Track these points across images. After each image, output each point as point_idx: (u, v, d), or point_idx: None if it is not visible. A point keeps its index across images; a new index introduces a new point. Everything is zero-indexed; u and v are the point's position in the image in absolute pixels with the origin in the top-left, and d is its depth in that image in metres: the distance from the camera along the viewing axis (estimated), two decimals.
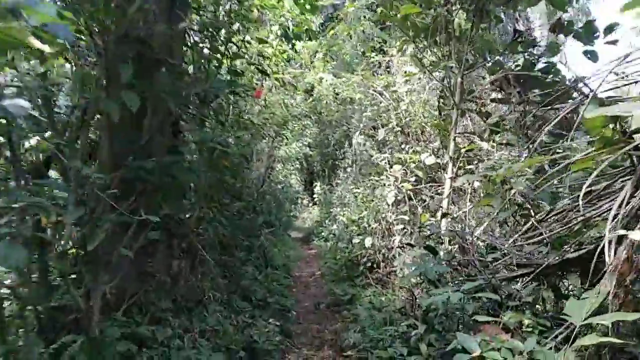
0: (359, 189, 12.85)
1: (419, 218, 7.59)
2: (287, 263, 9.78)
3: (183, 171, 4.04)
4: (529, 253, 4.04)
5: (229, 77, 5.12)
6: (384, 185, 8.09)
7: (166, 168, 3.81)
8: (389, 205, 8.06)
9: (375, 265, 8.26)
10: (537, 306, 3.77)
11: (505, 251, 3.99)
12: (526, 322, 3.20)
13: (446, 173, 6.81)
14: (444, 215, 5.88)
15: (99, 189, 3.43)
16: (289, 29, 7.11)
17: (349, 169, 17.26)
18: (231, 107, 6.16)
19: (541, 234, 4.00)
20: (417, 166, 7.61)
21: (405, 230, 7.62)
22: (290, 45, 7.85)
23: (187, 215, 4.86)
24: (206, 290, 4.86)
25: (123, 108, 3.49)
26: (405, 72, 8.11)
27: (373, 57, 9.31)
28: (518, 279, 4.01)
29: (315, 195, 20.89)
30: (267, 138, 10.23)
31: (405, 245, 7.29)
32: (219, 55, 4.89)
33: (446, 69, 7.23)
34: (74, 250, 3.69)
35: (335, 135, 21.35)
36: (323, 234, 16.11)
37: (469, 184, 6.50)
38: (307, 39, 9.57)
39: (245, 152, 6.93)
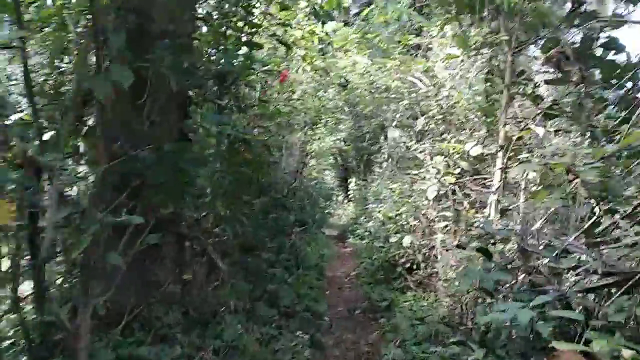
0: (395, 184, 12.09)
1: (463, 215, 6.77)
2: (321, 263, 9.10)
3: (191, 162, 3.40)
4: (611, 259, 3.22)
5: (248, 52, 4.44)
6: (424, 178, 7.29)
7: (169, 159, 3.18)
8: (429, 201, 7.26)
9: (414, 267, 7.48)
10: (628, 327, 2.95)
11: (584, 256, 3.17)
12: (624, 353, 2.41)
13: (495, 164, 5.99)
14: (503, 211, 5.07)
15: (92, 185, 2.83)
16: (317, 5, 6.35)
17: (384, 164, 16.52)
18: (256, 92, 5.50)
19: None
20: (461, 157, 6.78)
21: (448, 228, 6.81)
22: (320, 26, 7.07)
23: (202, 214, 4.24)
24: (225, 299, 4.22)
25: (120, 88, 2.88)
26: (448, 54, 7.27)
27: (410, 39, 8.48)
28: (599, 291, 3.19)
29: (350, 192, 20.18)
30: (298, 129, 9.56)
31: (452, 247, 6.48)
32: (235, 30, 4.23)
33: (494, 48, 6.38)
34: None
35: (370, 128, 20.59)
36: (358, 231, 15.36)
37: (524, 175, 5.65)
38: (340, 21, 8.82)
39: (271, 143, 6.28)
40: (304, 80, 9.36)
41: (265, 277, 5.51)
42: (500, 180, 5.73)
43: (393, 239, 7.47)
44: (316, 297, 6.49)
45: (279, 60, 7.16)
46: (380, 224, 12.27)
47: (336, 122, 14.40)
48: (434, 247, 7.23)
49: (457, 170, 7.00)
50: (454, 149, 6.76)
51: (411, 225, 7.60)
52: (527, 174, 5.63)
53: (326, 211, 18.13)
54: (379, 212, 13.19)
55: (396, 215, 8.21)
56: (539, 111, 5.99)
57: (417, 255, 7.35)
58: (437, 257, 7.14)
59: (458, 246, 6.42)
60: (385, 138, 17.09)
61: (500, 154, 5.82)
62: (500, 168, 5.74)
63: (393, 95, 9.26)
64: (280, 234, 7.77)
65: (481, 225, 6.05)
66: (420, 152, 7.61)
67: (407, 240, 7.27)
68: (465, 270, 5.43)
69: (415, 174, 8.32)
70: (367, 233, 13.32)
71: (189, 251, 3.92)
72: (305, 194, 12.11)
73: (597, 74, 5.33)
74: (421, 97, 8.42)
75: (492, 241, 5.19)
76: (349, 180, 21.33)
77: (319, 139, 12.36)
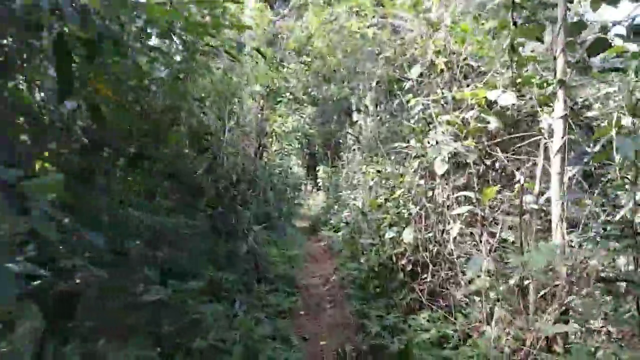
0: (376, 164, 9.68)
1: (488, 193, 4.44)
2: (289, 271, 6.58)
3: None
4: None
5: None
6: (428, 145, 4.88)
7: None
8: (438, 178, 4.87)
9: (420, 269, 5.09)
10: None
11: None
12: None
13: (550, 113, 3.69)
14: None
15: None
16: None
17: (355, 147, 14.12)
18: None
19: None
20: (483, 111, 4.37)
21: (475, 214, 4.43)
22: None
23: None
24: None
25: None
26: None
27: None
28: None
29: (319, 180, 17.80)
30: (247, 98, 6.99)
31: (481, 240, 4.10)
32: None
33: None
34: None
35: (336, 112, 18.12)
36: (332, 221, 12.96)
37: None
38: None
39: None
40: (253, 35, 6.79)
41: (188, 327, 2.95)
42: (563, 136, 3.37)
43: (389, 234, 5.01)
44: (285, 335, 3.96)
45: None
46: (359, 213, 9.91)
47: (297, 100, 11.85)
48: (446, 241, 4.85)
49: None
50: (473, 98, 4.35)
51: (411, 215, 5.18)
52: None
53: (295, 202, 15.64)
54: (354, 199, 10.86)
55: (387, 201, 5.78)
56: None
57: (424, 253, 4.94)
58: (452, 255, 4.75)
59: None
60: (359, 111, 14.65)
61: (560, 93, 3.45)
62: (563, 116, 3.38)
63: (369, 48, 6.77)
64: (232, 239, 5.22)
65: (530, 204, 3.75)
66: (419, 110, 5.17)
67: (408, 235, 4.85)
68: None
69: (406, 147, 5.92)
70: (343, 224, 10.91)
71: None
72: (268, 183, 9.55)
73: None
74: (407, 43, 6.00)
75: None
76: (317, 168, 18.97)
77: (280, 116, 9.79)
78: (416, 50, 5.56)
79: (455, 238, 4.71)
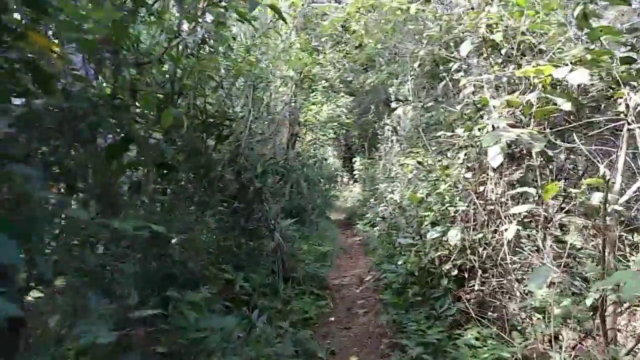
0: (416, 155, 8.96)
1: (550, 188, 3.70)
2: (320, 268, 6.01)
3: None
4: None
5: None
6: (479, 133, 4.18)
7: None
8: (490, 171, 4.17)
9: (467, 276, 4.41)
10: None
11: None
12: None
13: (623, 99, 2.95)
14: None
15: None
16: None
17: (393, 138, 13.38)
18: None
19: None
20: (549, 91, 3.62)
21: (535, 215, 3.72)
22: None
23: None
24: None
25: None
26: None
27: None
28: None
29: (355, 172, 17.14)
30: (279, 85, 6.44)
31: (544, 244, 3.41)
32: None
33: None
34: None
35: (374, 102, 17.36)
36: (368, 216, 12.31)
37: None
38: None
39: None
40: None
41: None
42: None
43: (432, 235, 4.33)
44: (310, 350, 3.40)
45: None
46: (396, 207, 9.23)
47: (334, 89, 11.20)
48: (499, 244, 4.15)
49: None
50: (536, 77, 3.61)
51: (458, 212, 4.49)
52: None
53: (331, 194, 15.05)
54: (391, 192, 10.17)
55: (428, 195, 5.10)
56: None
57: (472, 257, 4.26)
58: (505, 259, 4.05)
59: None
60: (390, 112, 13.95)
61: None
62: None
63: (411, 26, 6.06)
64: (256, 236, 4.69)
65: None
66: (469, 95, 4.46)
67: (455, 236, 4.17)
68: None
69: (450, 136, 5.23)
70: (379, 219, 10.25)
71: None
72: (302, 174, 8.99)
73: None
74: (455, 20, 5.27)
75: None
76: (353, 160, 18.31)
77: (313, 104, 9.19)
78: (465, 26, 4.83)
79: (510, 241, 4.01)
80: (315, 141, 10.26)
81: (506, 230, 3.98)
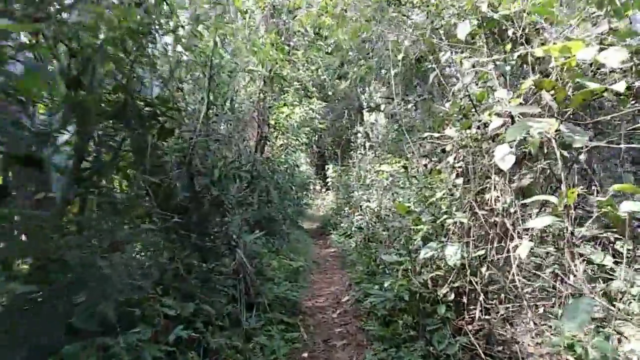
0: (392, 160, 8.25)
1: (567, 194, 2.97)
2: (291, 289, 5.13)
3: None
4: None
5: None
6: (478, 129, 3.43)
7: None
8: (494, 176, 3.41)
9: (466, 300, 3.62)
10: None
11: None
12: None
13: None
14: None
15: None
16: None
17: (367, 144, 12.66)
18: None
19: None
20: (576, 75, 2.88)
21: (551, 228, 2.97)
22: None
23: None
24: None
25: None
26: None
27: None
28: None
29: (328, 179, 16.36)
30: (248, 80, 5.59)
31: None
32: None
33: None
34: None
35: (346, 109, 16.67)
36: (343, 225, 11.50)
37: None
38: None
39: None
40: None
41: None
42: None
43: (426, 253, 3.52)
44: None
45: None
46: (373, 217, 8.45)
47: (307, 91, 10.38)
48: (506, 264, 3.39)
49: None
50: (558, 57, 2.87)
51: (455, 225, 3.71)
52: None
53: (303, 202, 14.19)
54: (368, 201, 9.40)
55: (421, 202, 4.32)
56: None
57: (472, 279, 3.47)
58: (514, 283, 3.28)
59: None
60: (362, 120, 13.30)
61: None
62: None
63: (395, 13, 5.29)
64: (211, 254, 3.79)
65: None
66: (465, 86, 3.71)
67: (454, 254, 3.37)
68: None
69: (438, 137, 4.52)
70: (356, 229, 9.44)
71: None
72: (271, 181, 8.11)
73: None
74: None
75: None
76: (326, 167, 17.53)
77: (284, 105, 8.33)
78: (462, 5, 4.09)
79: (521, 260, 3.27)
80: (287, 146, 9.39)
81: (516, 247, 3.22)
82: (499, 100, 3.42)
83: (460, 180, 4.20)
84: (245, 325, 3.73)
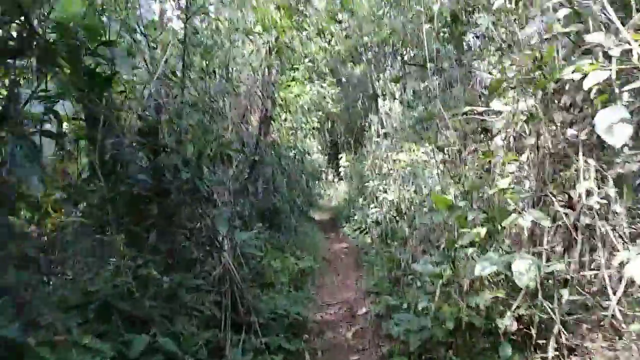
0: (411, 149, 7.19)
1: None
2: (295, 299, 4.07)
3: None
4: None
5: None
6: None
7: None
8: (590, 153, 2.29)
9: (535, 332, 2.52)
10: None
11: None
12: None
13: None
14: None
15: None
16: None
17: (382, 130, 11.46)
18: None
19: None
20: None
21: None
22: None
23: None
24: None
25: None
26: None
27: None
28: None
29: (341, 168, 15.24)
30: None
31: None
32: None
33: None
34: None
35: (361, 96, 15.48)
36: (356, 217, 10.39)
37: None
38: None
39: None
40: None
41: None
42: None
43: (482, 269, 2.42)
44: None
45: None
46: (392, 209, 7.36)
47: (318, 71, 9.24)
48: (603, 283, 2.28)
49: None
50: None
51: (519, 228, 2.58)
52: None
53: (314, 192, 13.14)
54: (385, 192, 8.30)
55: (467, 192, 3.19)
56: None
57: (546, 303, 2.37)
58: (614, 316, 2.19)
59: None
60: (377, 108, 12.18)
61: None
62: None
63: None
64: (182, 264, 2.75)
65: None
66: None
67: (527, 270, 2.27)
68: None
69: (481, 112, 3.47)
70: (371, 222, 8.34)
71: None
72: (277, 168, 7.05)
73: None
74: None
75: None
76: (339, 156, 16.40)
77: (293, 80, 7.22)
78: None
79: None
80: (296, 130, 8.30)
81: (624, 263, 2.13)
82: (597, 46, 2.30)
83: (513, 168, 3.10)
84: (229, 358, 2.69)
